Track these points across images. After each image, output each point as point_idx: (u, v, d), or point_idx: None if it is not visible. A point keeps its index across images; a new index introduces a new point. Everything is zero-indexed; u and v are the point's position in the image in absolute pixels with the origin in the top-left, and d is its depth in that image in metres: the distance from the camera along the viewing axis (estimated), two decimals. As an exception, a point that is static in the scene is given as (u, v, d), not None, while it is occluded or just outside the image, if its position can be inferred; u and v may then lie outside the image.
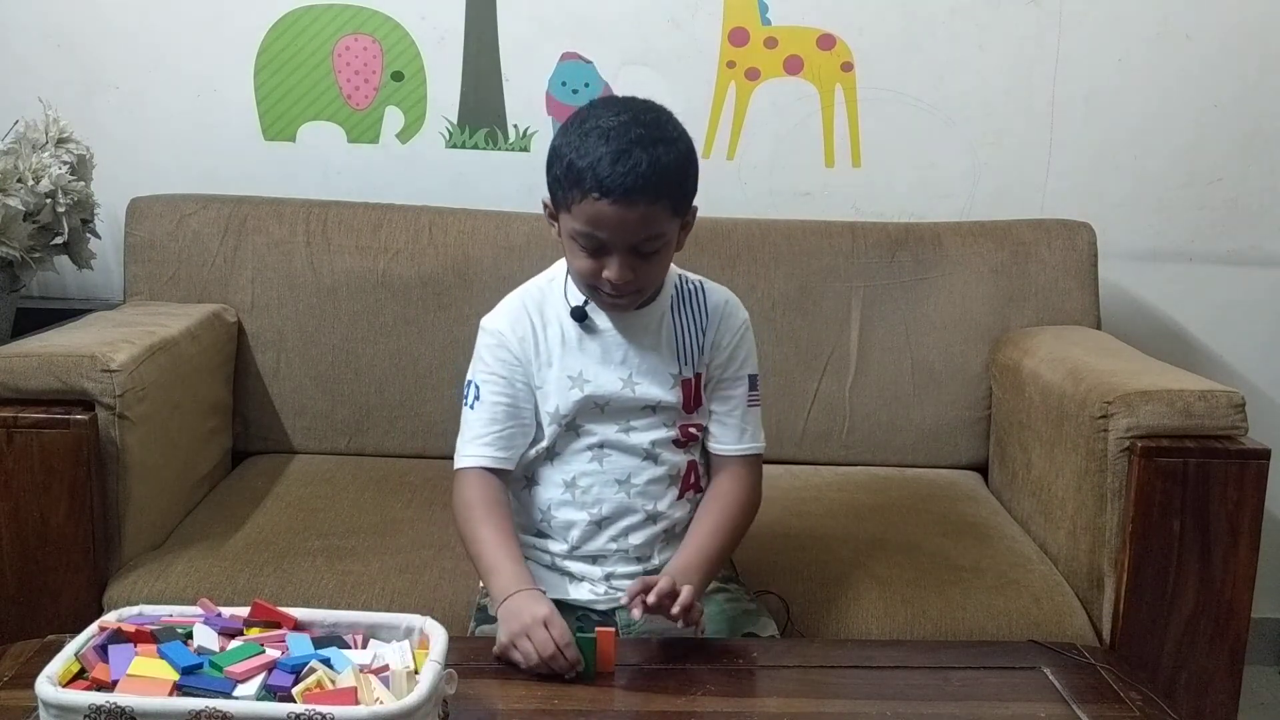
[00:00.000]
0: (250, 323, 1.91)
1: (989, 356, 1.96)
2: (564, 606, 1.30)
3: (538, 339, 1.28)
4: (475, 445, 1.27)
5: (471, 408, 1.27)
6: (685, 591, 1.15)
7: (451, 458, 1.32)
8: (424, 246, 1.93)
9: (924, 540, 1.67)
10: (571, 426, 1.29)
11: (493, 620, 1.28)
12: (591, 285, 1.23)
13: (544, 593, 1.18)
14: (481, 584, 1.33)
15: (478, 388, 1.27)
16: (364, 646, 1.02)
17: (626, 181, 1.12)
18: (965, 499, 1.85)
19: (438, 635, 1.01)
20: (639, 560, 1.34)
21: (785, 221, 2.02)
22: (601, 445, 1.29)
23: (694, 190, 1.21)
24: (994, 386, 1.95)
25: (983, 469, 1.98)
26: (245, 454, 1.93)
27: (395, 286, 1.92)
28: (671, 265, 1.30)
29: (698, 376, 1.31)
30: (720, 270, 1.92)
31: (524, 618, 1.13)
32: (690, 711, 1.10)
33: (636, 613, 1.14)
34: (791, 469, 1.95)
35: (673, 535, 1.33)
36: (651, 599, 1.14)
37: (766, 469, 1.83)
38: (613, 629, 1.16)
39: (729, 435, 1.31)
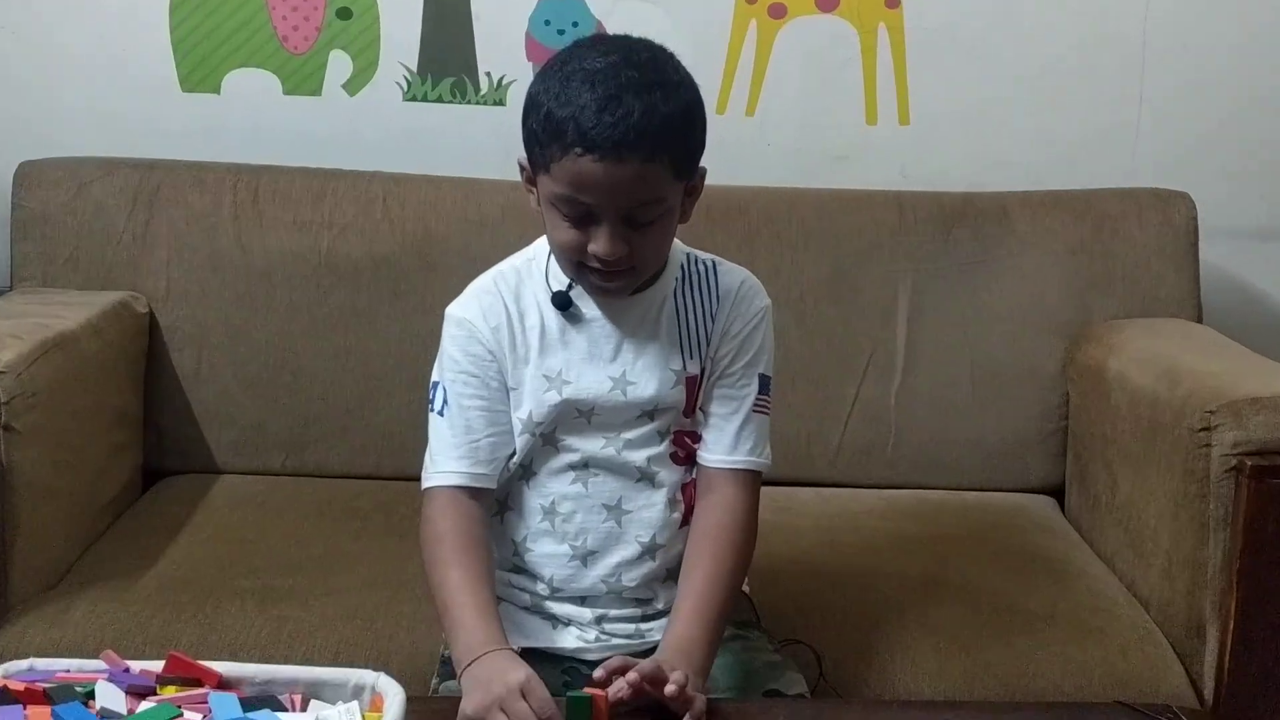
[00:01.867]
0: (165, 314, 1.92)
1: (1066, 355, 1.97)
2: (547, 657, 1.30)
3: (514, 330, 1.28)
4: (447, 459, 1.27)
5: (440, 414, 1.27)
6: (674, 681, 1.13)
7: (411, 477, 1.32)
8: (377, 221, 1.93)
9: (986, 579, 1.68)
10: (549, 439, 1.30)
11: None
12: (577, 263, 1.22)
13: (518, 653, 1.17)
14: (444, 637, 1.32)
15: (446, 391, 1.28)
16: (304, 709, 1.02)
17: (615, 133, 1.12)
18: (1037, 529, 1.85)
19: (394, 695, 1.01)
20: (638, 603, 1.34)
21: (816, 191, 2.02)
22: (586, 464, 1.30)
23: (700, 147, 1.21)
24: (1072, 392, 1.95)
25: (1058, 493, 1.98)
26: (159, 473, 1.93)
27: (342, 270, 1.92)
28: (678, 243, 1.31)
29: (704, 372, 1.31)
30: (737, 251, 1.86)
31: (495, 687, 1.11)
32: None
33: (620, 690, 1.13)
34: (824, 493, 1.95)
35: (674, 571, 1.33)
36: (632, 679, 1.12)
37: (794, 493, 1.91)
38: (604, 694, 1.13)
39: (722, 442, 1.30)
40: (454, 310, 1.30)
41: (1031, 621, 1.58)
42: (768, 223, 1.97)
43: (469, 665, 1.16)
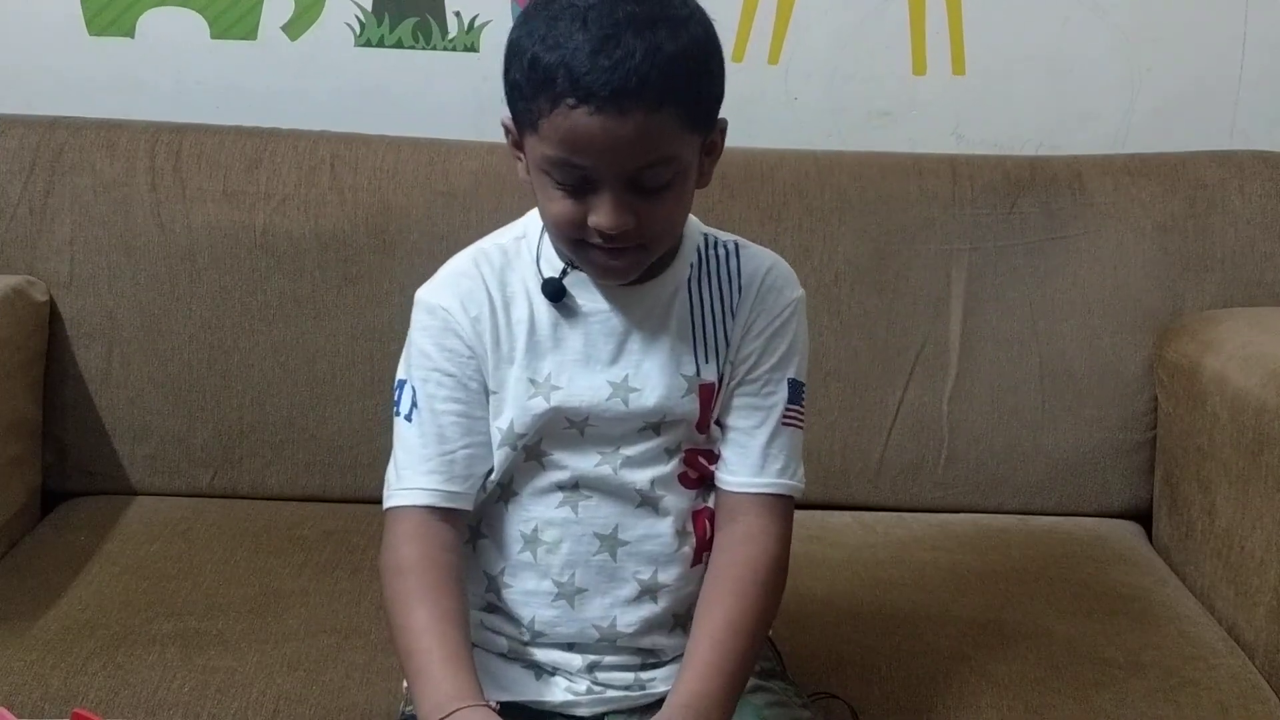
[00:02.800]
0: (68, 304, 1.92)
1: (1154, 353, 1.97)
2: (530, 714, 1.31)
3: (498, 322, 1.29)
4: (415, 474, 1.27)
5: (408, 419, 1.28)
6: None
7: (365, 499, 1.40)
8: (323, 192, 1.93)
9: (1057, 622, 1.68)
10: (533, 453, 1.31)
11: None
12: (575, 241, 1.22)
13: (495, 710, 1.17)
14: (406, 687, 1.31)
15: (415, 391, 1.28)
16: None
17: (614, 79, 1.11)
18: (1118, 561, 1.86)
19: None
20: (638, 654, 1.34)
21: (854, 154, 2.02)
22: (576, 485, 1.30)
23: (718, 93, 1.21)
24: (1161, 396, 1.96)
25: (1145, 517, 1.99)
26: (61, 495, 1.94)
27: (281, 250, 1.92)
28: (694, 220, 1.31)
29: (722, 379, 1.32)
30: (758, 227, 1.92)
31: None
32: None
33: None
34: (863, 517, 1.96)
35: (682, 619, 1.34)
36: None
37: (826, 518, 1.92)
38: None
39: (746, 462, 1.31)
40: (426, 295, 1.30)
41: (1111, 673, 1.59)
42: (796, 193, 1.97)
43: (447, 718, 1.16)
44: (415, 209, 1.92)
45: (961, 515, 1.99)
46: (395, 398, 1.29)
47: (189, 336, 1.93)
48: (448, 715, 1.15)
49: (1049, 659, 1.61)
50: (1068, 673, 1.59)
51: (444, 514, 1.27)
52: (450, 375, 1.28)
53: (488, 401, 1.29)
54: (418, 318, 1.30)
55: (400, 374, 1.30)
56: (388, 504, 1.29)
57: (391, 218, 1.93)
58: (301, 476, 1.94)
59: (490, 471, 1.31)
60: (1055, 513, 1.99)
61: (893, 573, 1.80)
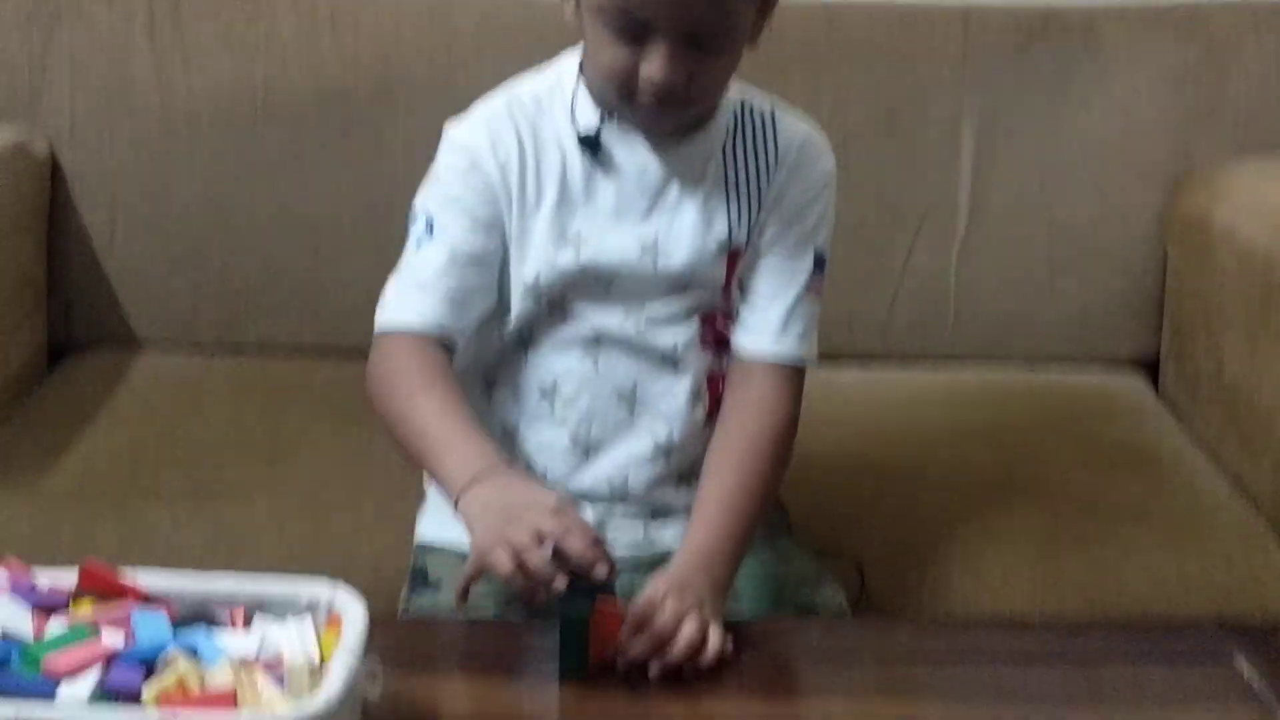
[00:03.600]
0: (71, 159, 1.91)
1: (1164, 205, 1.97)
2: None
3: (526, 170, 1.27)
4: (418, 298, 1.26)
5: (417, 246, 1.27)
6: (689, 625, 1.13)
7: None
8: (323, 43, 1.90)
9: (1064, 475, 1.69)
10: (557, 306, 1.30)
11: (432, 587, 1.31)
12: (623, 90, 1.20)
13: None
14: (419, 528, 1.36)
15: (432, 221, 1.27)
16: (246, 627, 1.02)
17: None
18: (1125, 414, 1.87)
19: (354, 613, 1.01)
20: (648, 509, 1.35)
21: (864, 5, 1.99)
22: (598, 340, 1.31)
23: None
24: (1170, 249, 1.96)
25: (1152, 370, 2.00)
26: (68, 349, 1.94)
27: (283, 106, 1.90)
28: (733, 81, 1.29)
29: (749, 243, 1.32)
30: (766, 83, 1.80)
31: (516, 506, 1.11)
32: (712, 716, 1.12)
33: (623, 664, 1.14)
34: (869, 375, 1.96)
35: (691, 475, 1.34)
36: (624, 639, 1.12)
37: (833, 374, 1.85)
38: (615, 601, 1.14)
39: (765, 327, 1.32)
40: (456, 133, 1.29)
41: (1117, 524, 1.59)
42: (804, 50, 1.93)
43: (469, 488, 1.15)
44: (417, 61, 1.90)
45: (968, 372, 1.97)
46: (410, 224, 1.29)
47: (194, 195, 1.91)
48: (484, 477, 1.14)
49: (1055, 512, 1.61)
50: (1073, 525, 1.59)
51: (437, 343, 1.26)
52: (469, 211, 1.27)
53: (505, 247, 1.29)
54: (445, 153, 1.29)
55: (417, 205, 1.29)
56: (381, 321, 1.27)
57: (394, 70, 1.90)
58: (308, 331, 1.94)
59: (503, 319, 1.31)
60: (1062, 368, 1.98)
61: (898, 429, 1.80)
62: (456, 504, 1.16)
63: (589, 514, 1.32)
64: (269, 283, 1.94)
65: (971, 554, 1.55)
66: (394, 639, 1.14)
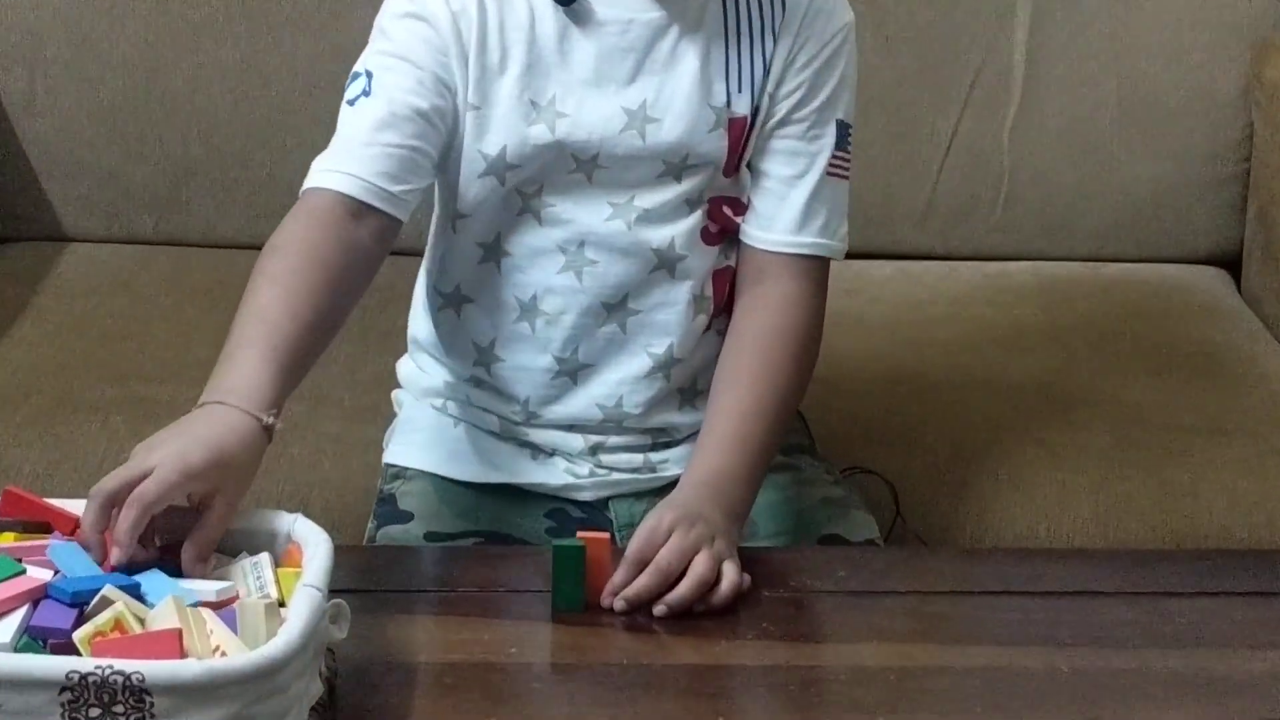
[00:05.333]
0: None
1: (1250, 71, 1.95)
2: (526, 496, 1.33)
3: (488, 23, 1.25)
4: (345, 158, 1.22)
5: (354, 105, 1.24)
6: (700, 561, 1.13)
7: None
8: None
9: (1130, 385, 1.68)
10: (530, 205, 1.28)
11: (403, 516, 1.32)
12: None
13: (264, 424, 1.08)
14: (388, 450, 1.38)
15: (370, 79, 1.25)
16: (195, 561, 1.02)
17: None
18: (1202, 313, 1.86)
19: (316, 544, 1.01)
20: (648, 434, 1.34)
21: None
22: (581, 244, 1.28)
23: None
24: (1257, 122, 1.94)
25: (1233, 264, 1.99)
26: (-18, 242, 1.94)
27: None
28: None
29: (756, 114, 1.28)
30: None
31: (153, 449, 1.04)
32: (730, 666, 1.11)
33: (610, 602, 1.14)
34: (908, 268, 1.95)
35: (695, 393, 1.34)
36: (619, 580, 1.12)
37: (865, 269, 1.92)
38: (606, 534, 1.16)
39: (782, 217, 1.30)
40: None
41: (1189, 441, 1.59)
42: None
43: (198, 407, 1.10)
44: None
45: (1021, 263, 1.97)
46: (346, 88, 1.26)
47: (123, 59, 1.90)
48: (203, 404, 1.08)
49: (1118, 427, 1.61)
50: (1140, 442, 1.59)
51: (363, 211, 1.21)
52: (415, 66, 1.23)
53: (458, 115, 1.25)
54: (390, 4, 1.26)
55: (357, 65, 1.26)
56: (307, 184, 1.23)
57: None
58: (257, 222, 1.87)
59: (455, 220, 1.28)
60: (1131, 259, 1.98)
61: (940, 331, 1.79)
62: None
63: (579, 442, 1.32)
64: (213, 162, 1.92)
65: (1023, 475, 1.55)
66: (362, 573, 1.15)
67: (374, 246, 1.22)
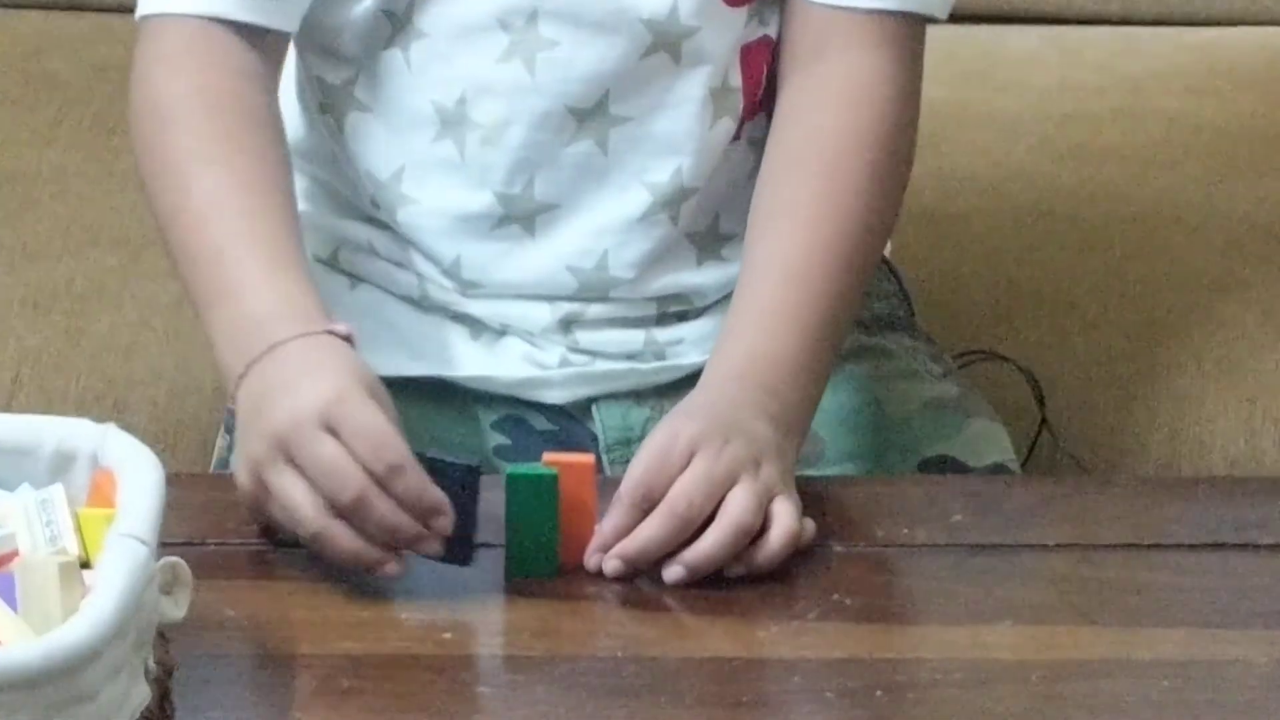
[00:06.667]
0: None
1: None
2: (464, 396, 1.20)
3: None
4: None
5: None
6: (738, 498, 1.01)
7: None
8: None
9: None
10: None
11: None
12: None
13: (350, 341, 1.05)
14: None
15: None
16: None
17: None
18: None
19: (138, 471, 0.89)
20: (650, 303, 1.23)
21: None
22: (533, 14, 1.17)
23: None
24: None
25: None
26: None
27: None
28: None
29: None
30: None
31: (300, 404, 0.99)
32: (779, 662, 0.95)
33: (599, 562, 1.02)
34: (1061, 35, 1.82)
35: (718, 241, 1.22)
36: (611, 528, 1.00)
37: (994, 36, 1.82)
38: (590, 456, 1.04)
39: None
40: None
41: None
42: None
43: (259, 361, 1.03)
44: None
45: (1242, 29, 1.82)
46: None
47: None
48: (277, 344, 1.02)
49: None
50: None
51: (240, 32, 1.15)
52: None
53: None
54: None
55: None
56: (143, 8, 1.17)
57: None
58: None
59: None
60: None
61: (1112, 136, 1.63)
62: (234, 388, 1.06)
63: (543, 314, 1.21)
64: None
65: (1239, 364, 1.43)
66: (210, 516, 1.07)
67: (270, 68, 1.18)
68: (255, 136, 1.13)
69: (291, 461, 0.97)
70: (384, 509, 0.95)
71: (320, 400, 0.97)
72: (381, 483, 0.95)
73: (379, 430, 0.96)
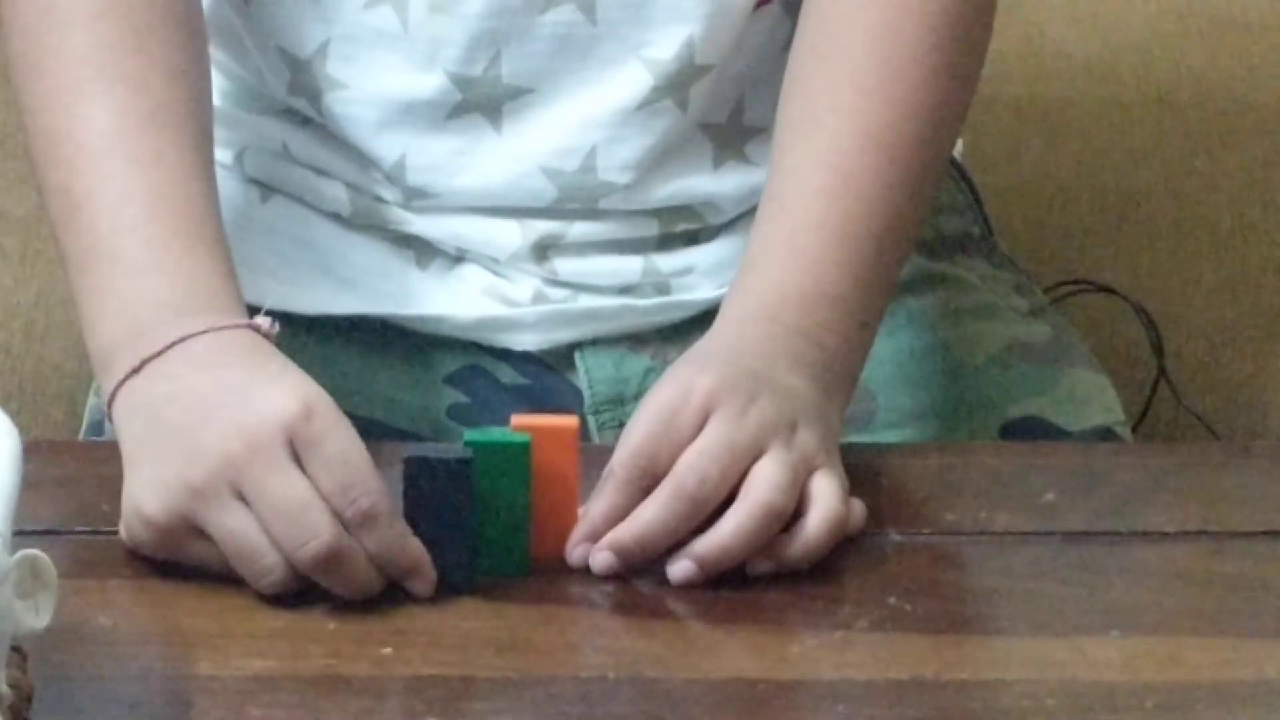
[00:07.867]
0: None
1: None
2: (415, 343, 1.12)
3: None
4: None
5: None
6: (766, 471, 0.93)
7: None
8: None
9: None
10: None
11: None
12: None
13: (271, 339, 0.99)
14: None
15: None
16: None
17: None
18: None
19: None
20: (650, 218, 1.13)
21: None
22: None
23: None
24: None
25: None
26: None
27: None
28: None
29: None
30: None
31: (256, 419, 0.91)
32: (817, 683, 0.88)
33: (584, 555, 0.96)
34: None
35: (742, 137, 1.12)
36: (600, 512, 0.93)
37: None
38: (574, 419, 0.96)
39: None
40: None
41: None
42: None
43: (161, 357, 0.95)
44: None
45: None
46: None
47: None
48: (189, 337, 0.94)
49: None
50: None
51: None
52: None
53: None
54: None
55: None
56: None
57: None
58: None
59: None
60: None
61: (1257, 4, 1.51)
62: (113, 390, 0.97)
63: (512, 234, 1.12)
64: None
65: None
66: (81, 497, 1.03)
67: None
68: (170, 41, 1.05)
69: (239, 494, 0.88)
70: (354, 569, 0.89)
71: (284, 416, 0.89)
72: (350, 529, 0.88)
73: (353, 463, 0.88)
